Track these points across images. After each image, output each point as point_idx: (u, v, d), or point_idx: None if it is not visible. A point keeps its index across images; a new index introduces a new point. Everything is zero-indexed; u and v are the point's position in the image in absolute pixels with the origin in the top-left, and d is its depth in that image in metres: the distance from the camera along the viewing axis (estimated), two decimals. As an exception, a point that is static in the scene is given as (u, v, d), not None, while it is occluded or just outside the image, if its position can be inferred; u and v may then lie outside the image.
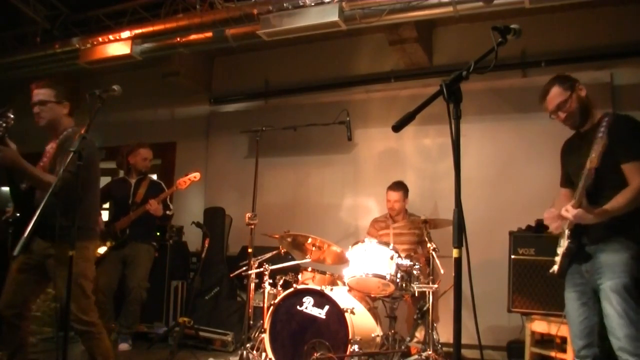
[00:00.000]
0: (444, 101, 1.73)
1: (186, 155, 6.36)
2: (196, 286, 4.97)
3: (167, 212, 4.57)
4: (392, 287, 3.50)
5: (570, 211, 2.31)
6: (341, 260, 3.86)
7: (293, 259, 4.18)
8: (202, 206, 5.89)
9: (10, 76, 5.96)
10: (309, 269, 3.84)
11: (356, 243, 3.67)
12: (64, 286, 2.43)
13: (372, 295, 3.70)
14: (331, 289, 3.44)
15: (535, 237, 3.83)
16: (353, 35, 5.38)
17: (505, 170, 4.73)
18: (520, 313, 3.80)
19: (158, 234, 4.95)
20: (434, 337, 3.47)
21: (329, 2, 4.26)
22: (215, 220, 5.47)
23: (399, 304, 3.78)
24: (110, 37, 5.24)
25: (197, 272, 5.01)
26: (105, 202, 4.88)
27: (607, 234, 2.34)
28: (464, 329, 1.69)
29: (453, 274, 1.68)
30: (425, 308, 3.53)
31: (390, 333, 3.62)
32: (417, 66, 5.18)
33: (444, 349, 3.67)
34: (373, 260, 3.49)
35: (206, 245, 4.65)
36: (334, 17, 4.22)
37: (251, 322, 3.77)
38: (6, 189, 2.79)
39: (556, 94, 2.50)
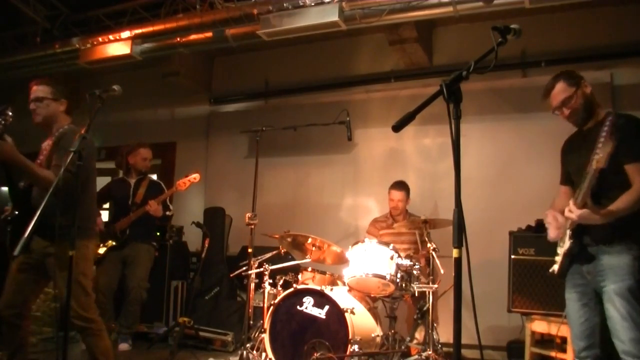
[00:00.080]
0: (444, 101, 1.73)
1: (186, 155, 6.36)
2: (196, 286, 4.97)
3: (167, 213, 4.58)
4: (392, 287, 3.49)
5: (574, 211, 2.27)
6: (341, 260, 3.86)
7: (293, 259, 4.18)
8: (202, 206, 5.89)
9: (10, 76, 5.96)
10: (309, 269, 3.83)
11: (356, 243, 3.67)
12: (64, 285, 2.43)
13: (372, 295, 3.70)
14: (331, 289, 3.44)
15: (535, 237, 3.82)
16: (353, 35, 5.37)
17: (505, 170, 4.73)
18: (520, 313, 3.80)
19: (158, 234, 4.95)
20: (434, 337, 3.47)
21: (329, 2, 4.26)
22: (215, 220, 5.47)
23: (399, 304, 3.78)
24: (110, 37, 5.24)
25: (197, 272, 5.01)
26: (105, 202, 4.89)
27: (610, 234, 2.31)
28: (464, 329, 1.69)
29: (453, 274, 1.67)
30: (425, 308, 3.53)
31: (390, 333, 3.61)
32: (417, 66, 5.18)
33: (444, 349, 3.66)
34: (373, 260, 3.48)
35: (206, 245, 4.65)
36: (334, 17, 4.22)
37: (251, 322, 3.77)
38: (5, 188, 2.79)
39: (561, 89, 2.46)
